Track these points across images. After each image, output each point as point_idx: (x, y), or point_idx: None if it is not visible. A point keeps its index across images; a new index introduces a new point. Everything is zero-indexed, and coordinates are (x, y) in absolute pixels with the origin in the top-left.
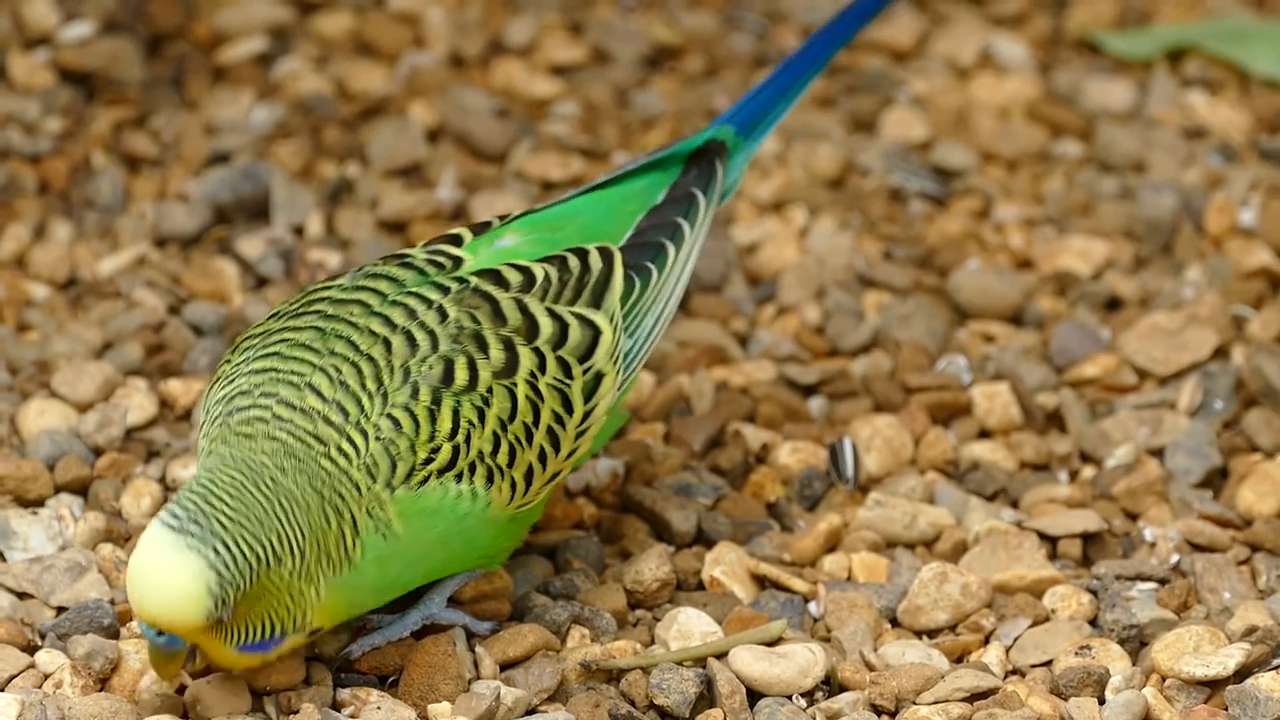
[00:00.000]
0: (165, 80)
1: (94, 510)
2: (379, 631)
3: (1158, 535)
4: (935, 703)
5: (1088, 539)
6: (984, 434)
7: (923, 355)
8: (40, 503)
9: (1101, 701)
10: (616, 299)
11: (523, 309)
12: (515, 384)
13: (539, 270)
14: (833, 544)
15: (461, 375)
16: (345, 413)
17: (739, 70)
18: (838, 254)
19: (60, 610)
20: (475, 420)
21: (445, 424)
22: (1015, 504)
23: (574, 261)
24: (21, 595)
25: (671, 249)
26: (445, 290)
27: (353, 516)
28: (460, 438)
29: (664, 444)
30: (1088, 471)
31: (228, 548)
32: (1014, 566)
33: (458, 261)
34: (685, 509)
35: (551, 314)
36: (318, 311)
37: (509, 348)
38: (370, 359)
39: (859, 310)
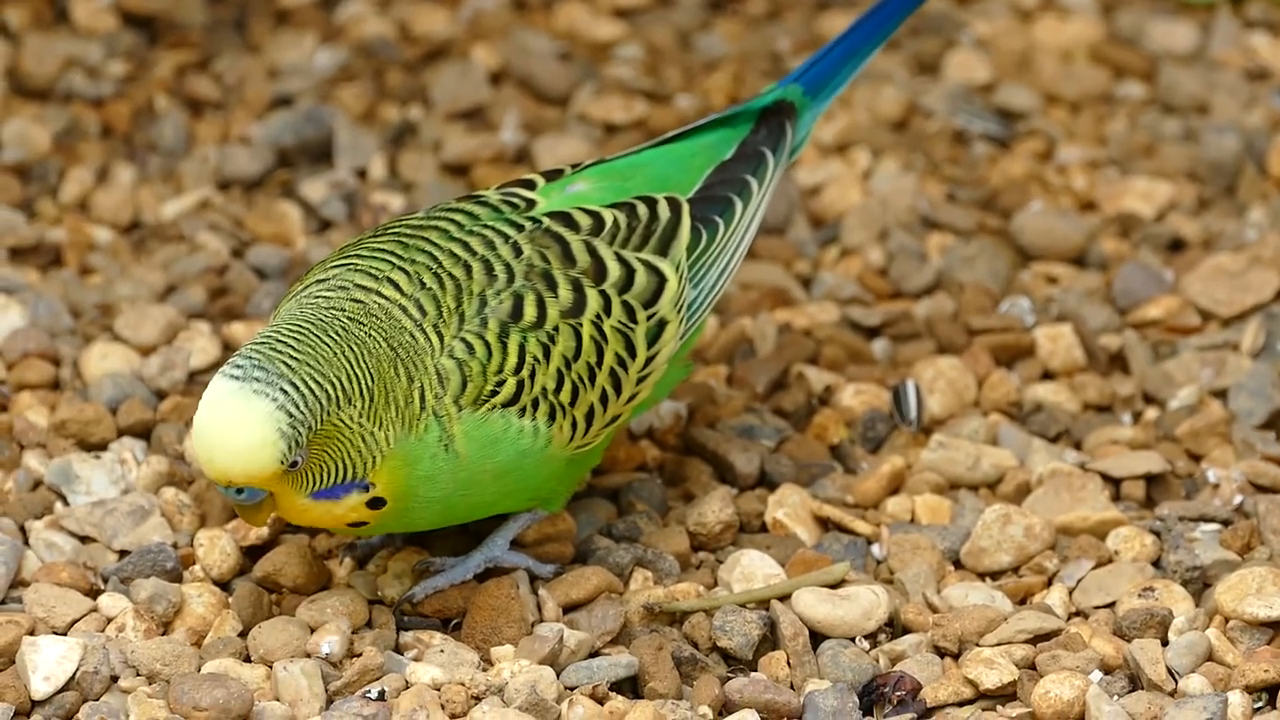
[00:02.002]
0: (227, 23)
1: (157, 454)
2: (442, 574)
3: (1221, 477)
4: (998, 645)
5: (1151, 480)
6: (1047, 375)
7: (986, 297)
8: (103, 446)
9: (1165, 643)
10: (683, 249)
11: (591, 251)
12: (581, 324)
13: (608, 215)
14: (896, 486)
15: (530, 312)
16: (423, 310)
17: (801, 13)
18: (901, 196)
19: (123, 554)
20: (540, 356)
21: (512, 358)
22: (1078, 446)
23: (643, 209)
24: (84, 539)
25: (739, 204)
26: (520, 228)
27: (422, 391)
28: (525, 373)
29: (727, 386)
30: (1151, 413)
31: (295, 387)
32: (1077, 508)
33: (531, 203)
34: (748, 451)
35: (619, 259)
36: (394, 235)
37: (577, 288)
38: (452, 276)
39: (922, 252)
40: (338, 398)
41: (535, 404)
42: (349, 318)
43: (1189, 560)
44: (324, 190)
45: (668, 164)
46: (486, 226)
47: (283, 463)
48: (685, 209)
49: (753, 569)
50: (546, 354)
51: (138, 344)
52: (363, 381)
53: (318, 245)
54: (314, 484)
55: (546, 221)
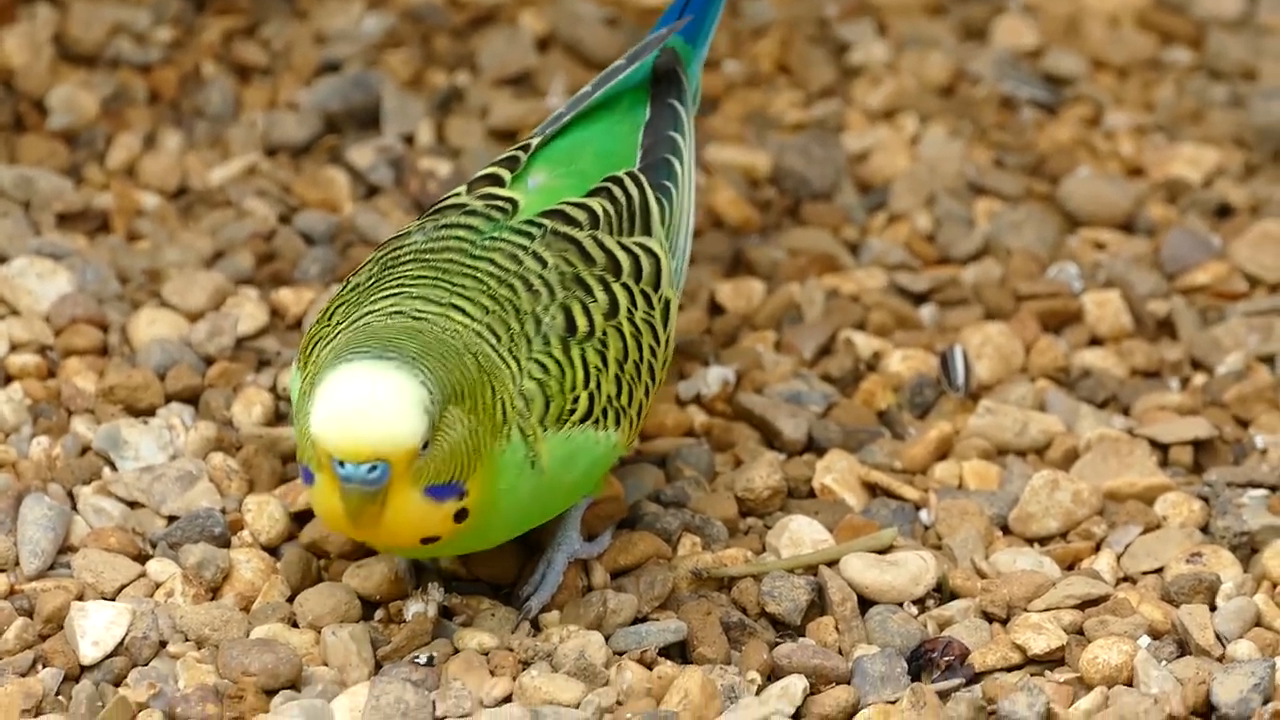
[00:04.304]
0: None
1: (205, 419)
2: (543, 587)
3: (1269, 442)
4: (1046, 610)
5: (1199, 446)
6: (1095, 341)
7: (1033, 263)
8: (151, 412)
9: (1213, 608)
10: (659, 224)
11: (601, 246)
12: (620, 324)
13: (596, 205)
14: (944, 451)
15: (581, 322)
16: (497, 335)
17: None
18: (948, 162)
19: (171, 519)
20: (599, 365)
21: (579, 372)
22: (1126, 411)
23: (619, 193)
24: (132, 504)
25: (678, 164)
26: (529, 235)
27: (504, 408)
28: (593, 385)
29: (775, 352)
30: (1198, 378)
31: (427, 369)
32: (1125, 474)
33: (514, 204)
34: (796, 417)
35: (623, 247)
36: (416, 260)
37: (605, 287)
38: (503, 298)
39: (970, 218)
40: (455, 391)
41: (605, 413)
42: (441, 330)
43: (1237, 526)
44: (371, 156)
45: (604, 138)
46: (498, 240)
47: (422, 438)
48: (645, 182)
49: (801, 534)
50: (604, 361)
51: (185, 310)
52: (465, 385)
53: (365, 211)
54: (430, 477)
55: (549, 224)
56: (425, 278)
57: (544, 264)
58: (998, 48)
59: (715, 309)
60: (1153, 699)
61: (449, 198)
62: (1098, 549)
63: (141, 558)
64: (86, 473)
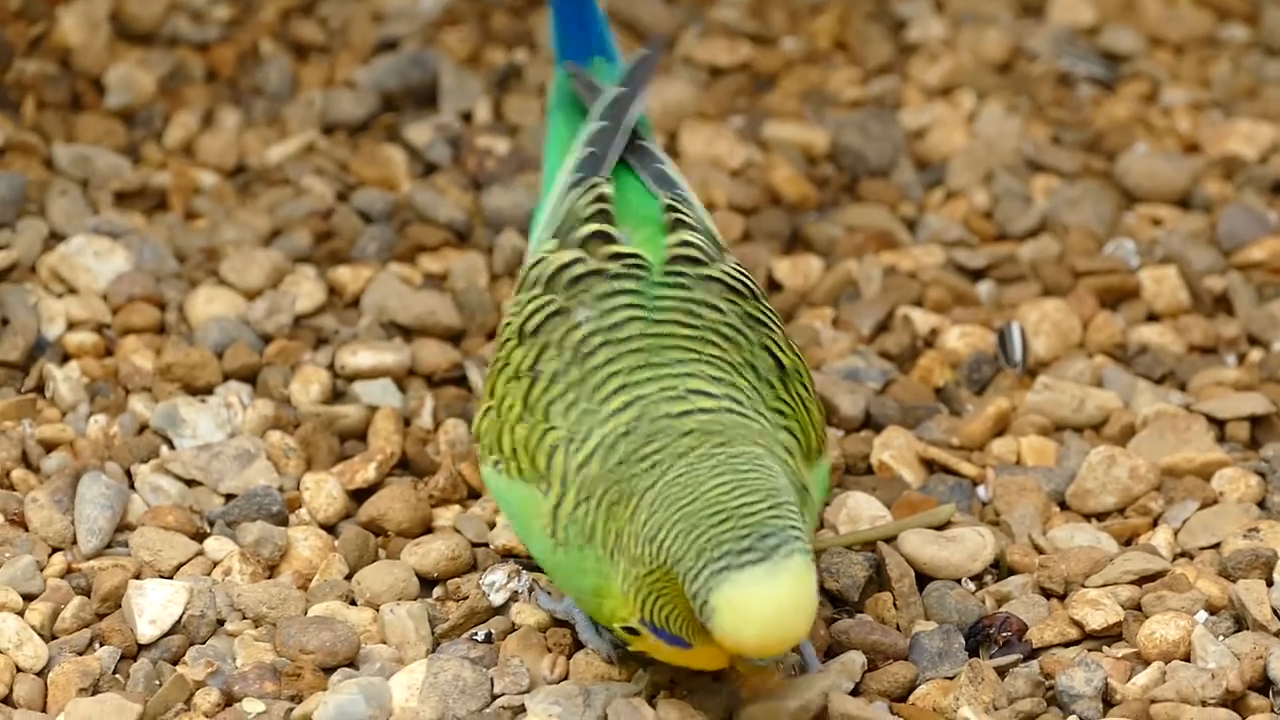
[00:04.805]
0: None
1: (263, 397)
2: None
3: None
4: (1104, 585)
5: (1255, 421)
6: (1152, 317)
7: (1090, 239)
8: (209, 390)
9: (1270, 584)
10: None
11: (735, 277)
12: (787, 348)
13: (696, 239)
14: (1001, 427)
15: (781, 357)
16: (741, 403)
17: None
18: (1006, 138)
19: (229, 497)
20: (804, 393)
21: (801, 409)
22: (1183, 387)
23: (687, 217)
24: (190, 482)
25: (670, 169)
26: (684, 287)
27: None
28: (811, 414)
29: (832, 328)
30: (1255, 354)
31: (803, 536)
32: (1182, 449)
33: (643, 259)
34: (854, 393)
35: (739, 271)
36: (612, 344)
37: (769, 315)
38: (716, 359)
39: (1027, 194)
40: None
41: (822, 442)
42: (747, 447)
43: None
44: (429, 134)
45: (620, 185)
46: (665, 300)
47: None
48: (689, 200)
49: (859, 510)
50: (805, 389)
51: (243, 288)
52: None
53: (422, 189)
54: None
55: (690, 270)
56: (640, 367)
57: (721, 311)
58: (1055, 24)
59: (773, 286)
60: (1210, 674)
61: (574, 263)
62: (1155, 525)
63: (199, 536)
64: (144, 451)
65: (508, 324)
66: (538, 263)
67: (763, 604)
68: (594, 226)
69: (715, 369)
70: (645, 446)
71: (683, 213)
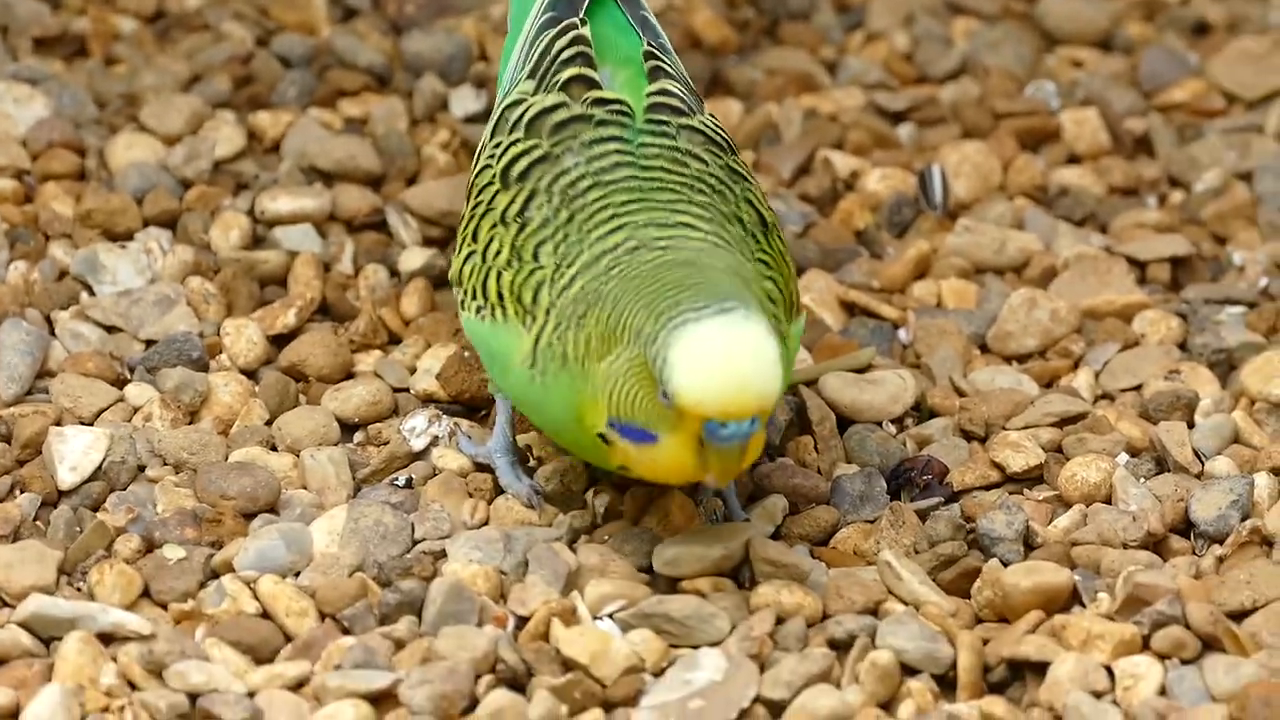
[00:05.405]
0: None
1: (183, 243)
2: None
3: (1246, 259)
4: (1025, 428)
5: (1176, 263)
6: (1073, 159)
7: (1011, 81)
8: (129, 236)
9: (1191, 425)
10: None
11: (714, 129)
12: (765, 204)
13: (676, 89)
14: (922, 270)
15: (764, 212)
16: (729, 245)
17: None
18: None
19: (149, 343)
20: (784, 249)
21: (784, 262)
22: (1104, 229)
23: (669, 68)
24: (110, 329)
25: (651, 15)
26: (669, 135)
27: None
28: (790, 270)
29: (753, 171)
30: (1176, 196)
31: (759, 308)
32: (1103, 291)
33: (628, 106)
34: None
35: (716, 125)
36: (601, 185)
37: (747, 170)
38: (706, 205)
39: (948, 37)
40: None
41: (798, 301)
42: (710, 257)
43: (1215, 343)
44: None
45: (599, 22)
46: (649, 147)
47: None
48: (666, 47)
49: None
50: (784, 244)
51: (163, 134)
52: (767, 310)
53: (342, 34)
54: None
55: (672, 120)
56: (632, 202)
57: (705, 162)
58: None
59: None
60: (1131, 516)
61: (557, 108)
62: (1076, 367)
63: (119, 382)
64: (64, 297)
65: (486, 167)
66: (516, 104)
67: (720, 352)
68: (575, 70)
69: (706, 212)
70: (616, 262)
71: (663, 61)
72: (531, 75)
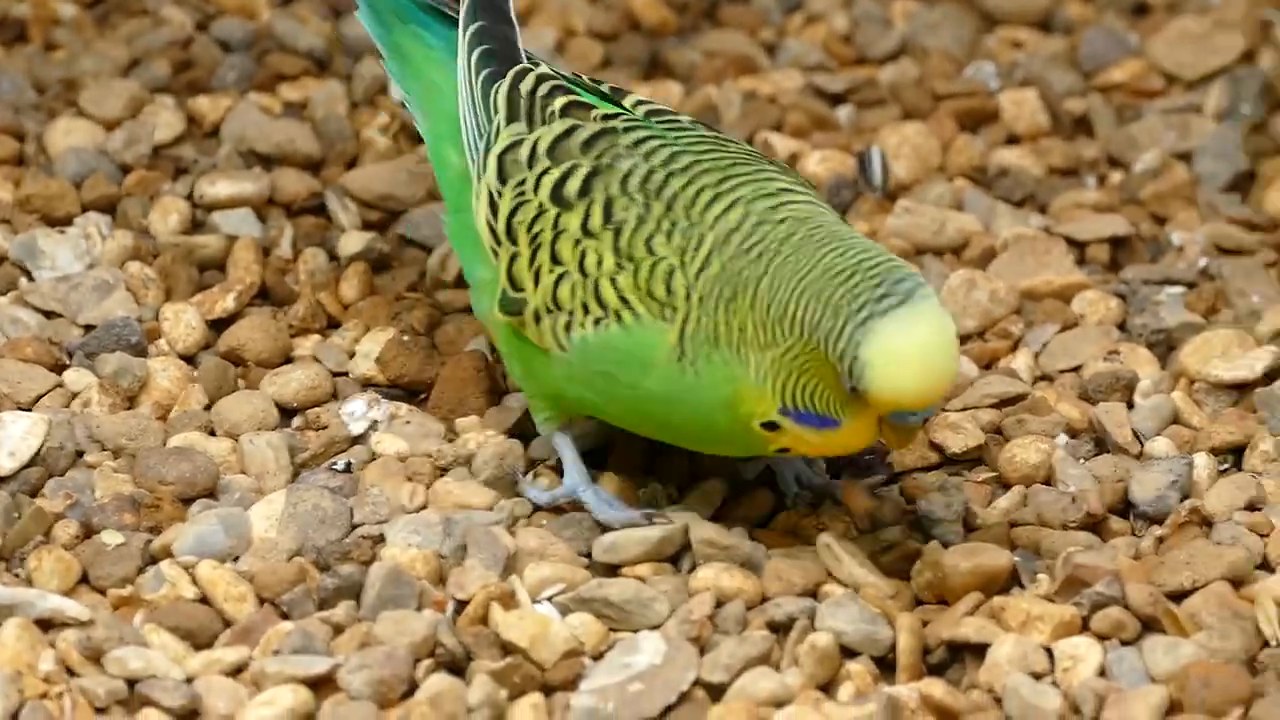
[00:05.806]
0: None
1: (122, 228)
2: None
3: (1185, 239)
4: (964, 409)
5: (1116, 243)
6: (1012, 140)
7: (950, 62)
8: (68, 221)
9: (1130, 405)
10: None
11: (701, 123)
12: None
13: (643, 96)
14: None
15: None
16: (816, 203)
17: None
18: None
19: (88, 329)
20: None
21: None
22: (1043, 209)
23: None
24: (49, 314)
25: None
26: (685, 128)
27: None
28: None
29: None
30: (1115, 176)
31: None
32: (1042, 272)
33: (632, 114)
34: None
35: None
36: (678, 174)
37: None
38: (777, 169)
39: (887, 18)
40: None
41: None
42: (835, 222)
43: (1154, 323)
44: None
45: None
46: (683, 140)
47: None
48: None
49: None
50: None
51: (102, 118)
52: None
53: (282, 17)
54: None
55: (677, 116)
56: (723, 181)
57: (736, 142)
58: None
59: None
60: (1070, 497)
61: (573, 130)
62: (1015, 348)
63: (58, 367)
64: (2, 283)
65: (523, 203)
66: (516, 144)
67: (916, 347)
68: (566, 98)
69: (786, 175)
70: (749, 239)
71: (599, 82)
72: (514, 120)
